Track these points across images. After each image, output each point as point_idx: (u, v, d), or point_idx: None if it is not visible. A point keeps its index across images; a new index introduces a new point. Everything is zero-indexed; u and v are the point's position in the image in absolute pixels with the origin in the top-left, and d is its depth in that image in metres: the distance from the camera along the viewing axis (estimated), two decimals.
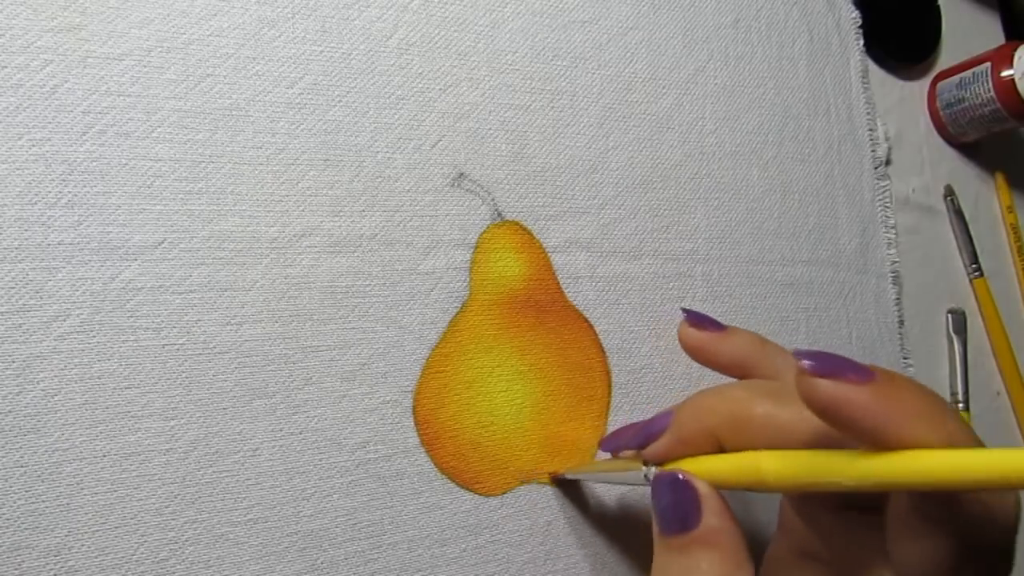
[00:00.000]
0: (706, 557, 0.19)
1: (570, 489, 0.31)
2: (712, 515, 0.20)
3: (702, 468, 0.21)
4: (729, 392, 0.21)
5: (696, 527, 0.20)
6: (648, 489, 0.22)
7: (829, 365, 0.17)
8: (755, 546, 0.21)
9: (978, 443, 0.17)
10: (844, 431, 0.17)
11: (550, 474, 0.30)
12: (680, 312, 0.28)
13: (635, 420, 0.31)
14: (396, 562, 0.27)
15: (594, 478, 0.30)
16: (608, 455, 0.28)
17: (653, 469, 0.22)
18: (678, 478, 0.20)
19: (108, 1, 0.27)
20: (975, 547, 0.18)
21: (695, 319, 0.26)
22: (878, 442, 0.16)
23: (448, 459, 0.29)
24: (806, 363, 0.17)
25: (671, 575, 0.20)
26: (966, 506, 0.17)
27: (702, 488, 0.20)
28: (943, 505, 0.18)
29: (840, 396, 0.16)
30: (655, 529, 0.21)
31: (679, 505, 0.20)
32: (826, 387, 0.16)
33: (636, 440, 0.23)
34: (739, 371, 0.25)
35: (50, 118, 0.25)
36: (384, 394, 0.28)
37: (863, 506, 0.21)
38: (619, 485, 0.31)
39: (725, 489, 0.20)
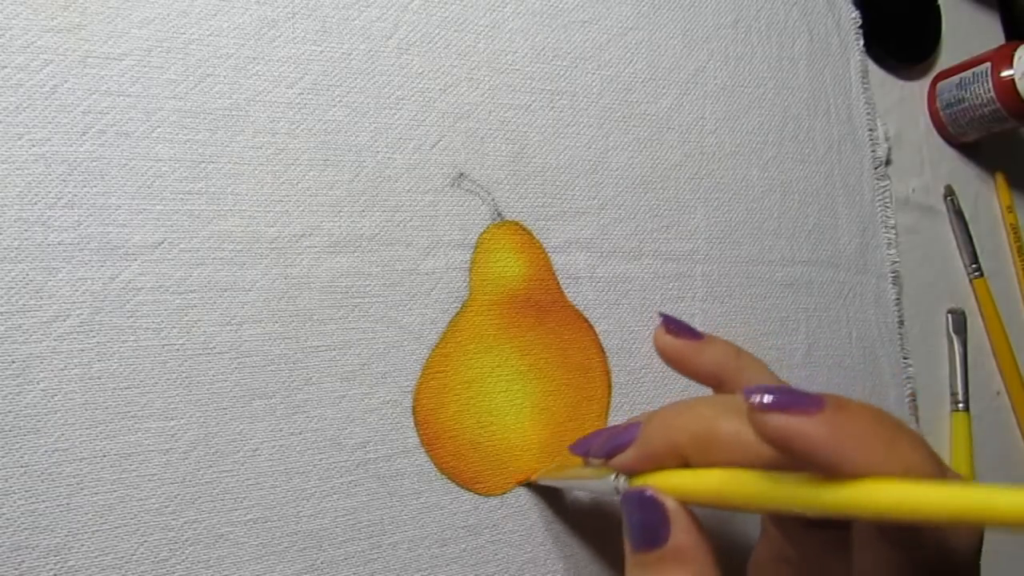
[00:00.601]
0: (675, 573, 0.20)
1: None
2: (680, 532, 0.20)
3: (670, 483, 0.20)
4: (696, 408, 0.21)
5: (665, 544, 0.20)
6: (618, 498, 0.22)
7: (779, 399, 0.17)
8: (740, 553, 0.21)
9: (937, 467, 0.17)
10: (799, 462, 0.17)
11: (519, 481, 0.30)
12: (683, 309, 0.27)
13: None
14: (396, 562, 0.27)
15: (565, 485, 0.29)
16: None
17: (623, 480, 0.22)
18: (645, 495, 0.20)
19: (108, 1, 0.27)
20: (936, 571, 0.18)
21: (672, 326, 0.26)
22: (832, 472, 0.16)
23: (448, 459, 0.29)
24: (755, 399, 0.17)
25: None
26: (928, 531, 0.17)
27: (670, 504, 0.20)
28: (905, 529, 0.18)
29: (791, 428, 0.16)
30: (626, 545, 0.21)
31: (647, 522, 0.20)
32: (777, 420, 0.16)
33: (604, 450, 0.23)
34: (713, 381, 0.25)
35: (50, 118, 0.25)
36: (384, 394, 0.28)
37: (833, 525, 0.21)
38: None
39: (691, 505, 0.20)
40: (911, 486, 0.15)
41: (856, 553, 0.20)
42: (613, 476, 0.22)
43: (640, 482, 0.21)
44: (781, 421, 0.16)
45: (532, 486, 0.30)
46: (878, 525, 0.18)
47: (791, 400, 0.17)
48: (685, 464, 0.21)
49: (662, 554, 0.20)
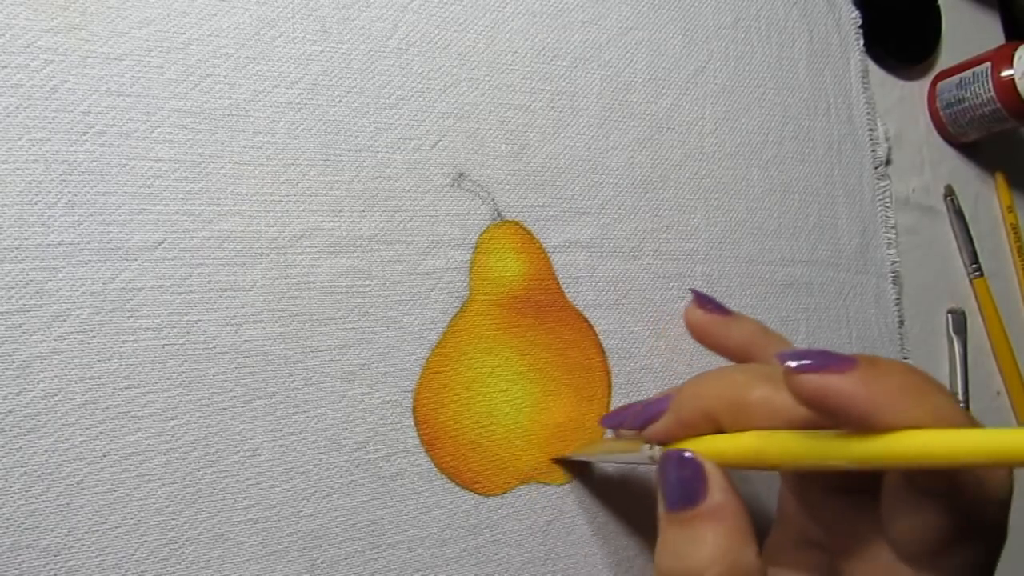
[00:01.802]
0: (711, 531, 0.20)
1: (571, 488, 0.31)
2: (718, 491, 0.20)
3: (706, 447, 0.21)
4: (728, 375, 0.22)
5: (702, 502, 0.20)
6: (652, 471, 0.22)
7: (812, 360, 0.17)
8: (756, 533, 0.21)
9: (967, 418, 0.18)
10: (835, 419, 0.17)
11: (553, 458, 0.30)
12: (682, 309, 0.28)
13: None
14: (396, 562, 0.27)
15: (598, 458, 0.30)
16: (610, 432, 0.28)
17: (657, 449, 0.22)
18: (685, 456, 0.21)
19: (108, 1, 0.27)
20: (969, 520, 0.18)
21: (702, 301, 0.27)
22: (867, 426, 0.17)
23: (448, 459, 0.29)
24: (791, 363, 0.17)
25: (676, 549, 0.20)
26: (959, 480, 0.18)
27: (708, 465, 0.21)
28: (937, 480, 0.18)
29: (825, 386, 0.17)
30: (660, 506, 0.21)
31: (686, 481, 0.21)
32: (811, 380, 0.17)
33: (637, 421, 0.23)
34: (742, 356, 0.26)
35: (50, 118, 0.25)
36: (384, 394, 0.28)
37: (859, 488, 0.21)
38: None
39: (727, 468, 0.21)
40: (945, 433, 0.16)
41: (886, 509, 0.20)
42: (647, 446, 0.23)
43: (679, 446, 0.22)
44: (816, 380, 0.17)
45: (564, 461, 0.30)
46: (910, 479, 0.19)
47: (824, 360, 0.17)
48: (717, 431, 0.21)
49: (698, 512, 0.20)
